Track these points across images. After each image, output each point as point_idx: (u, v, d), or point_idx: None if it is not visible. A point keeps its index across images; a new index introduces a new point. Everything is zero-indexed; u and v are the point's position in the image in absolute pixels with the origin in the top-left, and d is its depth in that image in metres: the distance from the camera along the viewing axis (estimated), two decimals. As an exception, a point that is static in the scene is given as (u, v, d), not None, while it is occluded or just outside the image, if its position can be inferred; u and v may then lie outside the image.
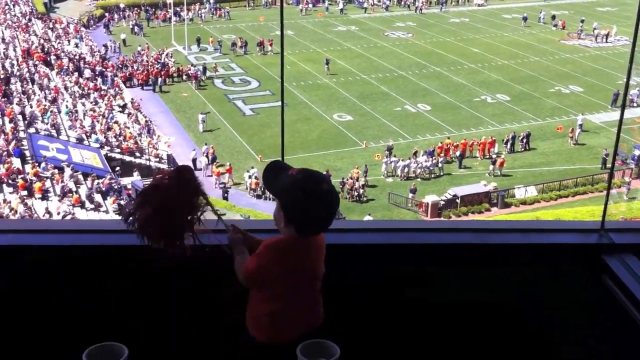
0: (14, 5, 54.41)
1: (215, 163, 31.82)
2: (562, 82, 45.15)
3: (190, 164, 32.18)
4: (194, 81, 43.46)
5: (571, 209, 28.52)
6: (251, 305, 2.70)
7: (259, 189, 29.81)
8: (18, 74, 38.00)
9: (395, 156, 32.69)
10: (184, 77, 44.38)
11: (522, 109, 40.21)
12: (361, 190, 29.82)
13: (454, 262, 3.23)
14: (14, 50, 43.00)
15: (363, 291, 3.19)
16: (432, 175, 32.29)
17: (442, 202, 29.35)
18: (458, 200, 29.33)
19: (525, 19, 61.00)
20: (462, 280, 3.24)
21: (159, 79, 42.78)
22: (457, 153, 33.23)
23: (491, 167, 32.53)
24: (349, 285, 3.11)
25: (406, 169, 31.87)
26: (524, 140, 34.86)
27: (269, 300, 2.63)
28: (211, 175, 31.24)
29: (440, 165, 32.54)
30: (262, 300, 2.65)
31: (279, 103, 39.19)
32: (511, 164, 33.30)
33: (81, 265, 3.05)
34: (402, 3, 69.65)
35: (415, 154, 32.70)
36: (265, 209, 27.25)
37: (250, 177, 30.24)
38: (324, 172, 29.43)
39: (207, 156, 32.16)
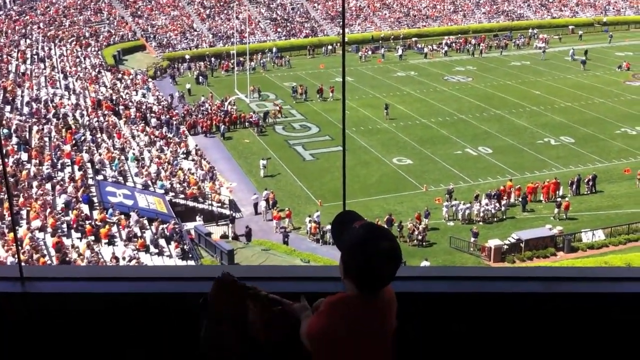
0: (84, 58, 56.88)
1: (275, 207, 32.11)
2: (629, 123, 44.06)
3: (252, 209, 32.71)
4: (255, 128, 44.28)
5: (642, 253, 27.51)
6: None
7: (318, 233, 29.86)
8: (88, 123, 39.47)
9: (456, 199, 32.31)
10: (246, 124, 45.31)
11: (587, 151, 39.32)
12: (422, 235, 29.48)
13: (521, 312, 3.07)
14: (84, 101, 44.78)
15: (424, 342, 3.06)
16: (495, 219, 31.72)
17: (506, 247, 28.71)
18: (522, 245, 28.64)
19: (584, 62, 59.87)
20: (529, 330, 3.07)
21: (222, 126, 43.78)
22: (520, 196, 32.61)
23: (556, 210, 31.72)
24: (410, 335, 2.98)
25: (467, 213, 31.43)
26: (590, 183, 33.97)
27: None
28: (271, 220, 31.52)
29: (503, 208, 31.94)
30: None
31: (339, 148, 39.41)
32: (577, 207, 32.42)
33: (152, 312, 3.01)
34: (461, 48, 69.73)
35: (476, 197, 32.24)
36: (325, 254, 27.15)
37: (310, 221, 30.31)
38: (386, 216, 29.42)
39: (267, 201, 32.51)
